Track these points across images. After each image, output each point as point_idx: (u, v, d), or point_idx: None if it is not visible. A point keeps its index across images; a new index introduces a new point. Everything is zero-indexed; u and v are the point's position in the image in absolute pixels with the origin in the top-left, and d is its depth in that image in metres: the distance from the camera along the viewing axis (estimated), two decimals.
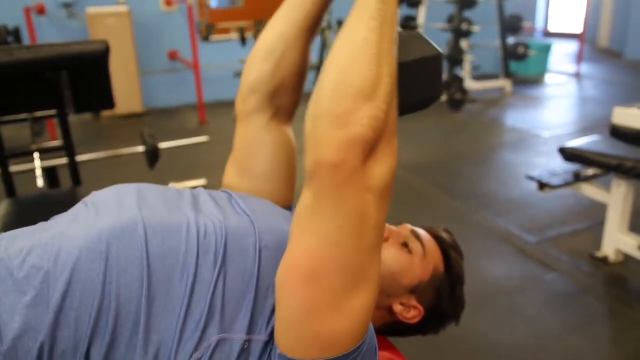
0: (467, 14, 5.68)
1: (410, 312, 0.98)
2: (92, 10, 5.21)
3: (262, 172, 1.00)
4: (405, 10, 6.30)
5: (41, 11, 5.19)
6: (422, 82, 0.77)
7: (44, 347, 0.68)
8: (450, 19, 5.91)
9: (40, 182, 2.11)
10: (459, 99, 5.50)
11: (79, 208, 0.85)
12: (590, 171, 2.62)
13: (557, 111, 5.76)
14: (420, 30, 5.12)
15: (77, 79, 1.97)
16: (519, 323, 2.16)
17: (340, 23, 5.85)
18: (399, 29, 0.74)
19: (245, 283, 0.74)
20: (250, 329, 0.73)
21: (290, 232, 0.69)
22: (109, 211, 0.80)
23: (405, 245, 0.99)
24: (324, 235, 0.65)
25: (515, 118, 5.42)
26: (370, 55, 0.65)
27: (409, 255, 0.98)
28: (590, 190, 2.66)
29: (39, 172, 2.13)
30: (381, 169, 0.65)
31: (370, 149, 0.63)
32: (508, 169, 3.97)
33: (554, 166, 2.84)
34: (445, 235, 1.07)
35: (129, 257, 0.72)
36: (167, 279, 0.72)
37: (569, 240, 2.82)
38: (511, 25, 6.05)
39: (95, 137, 5.10)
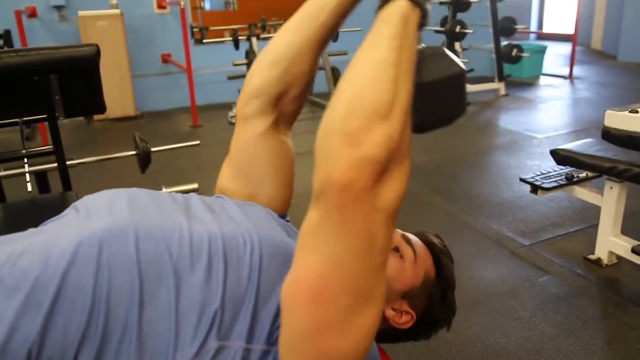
0: (461, 16, 5.69)
1: (402, 317, 0.99)
2: (83, 13, 5.19)
3: (259, 177, 1.00)
4: None
5: (32, 14, 5.17)
6: (444, 100, 0.78)
7: (31, 352, 0.66)
8: (444, 22, 5.91)
9: (29, 187, 2.09)
10: None
11: (69, 212, 0.85)
12: (583, 174, 2.63)
13: (550, 113, 5.77)
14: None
15: (67, 83, 1.95)
16: (512, 326, 2.16)
17: None
18: (421, 46, 0.75)
19: (242, 291, 0.74)
20: (249, 338, 0.72)
21: (296, 250, 0.68)
22: (101, 215, 0.79)
23: (396, 250, 0.99)
24: (329, 255, 0.64)
25: (508, 120, 5.43)
26: (388, 74, 0.64)
27: (401, 260, 0.98)
28: (582, 193, 2.66)
29: (28, 177, 2.11)
30: (391, 190, 0.63)
31: (381, 169, 0.61)
32: (501, 172, 3.97)
33: (547, 169, 2.84)
34: (435, 241, 1.07)
35: (120, 261, 0.71)
36: (158, 285, 0.71)
37: (562, 243, 2.82)
38: (504, 27, 6.07)
39: (88, 140, 5.08)
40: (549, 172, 2.74)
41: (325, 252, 0.64)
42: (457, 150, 4.48)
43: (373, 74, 0.64)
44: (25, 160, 2.16)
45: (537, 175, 2.73)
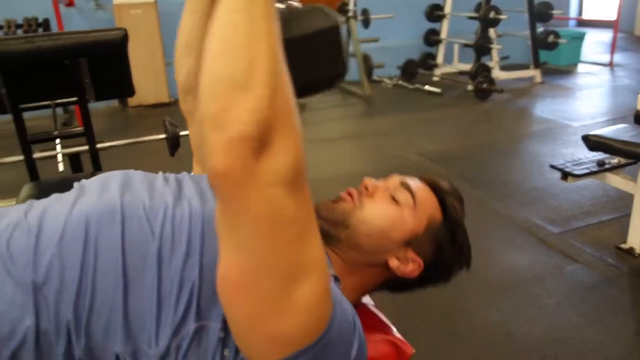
0: (495, 2, 5.57)
1: (409, 265, 0.94)
2: (118, 1, 5.29)
3: None
4: None
5: (70, 3, 5.29)
6: (317, 57, 0.71)
7: (28, 328, 0.68)
8: (478, 7, 5.80)
9: (61, 167, 2.15)
10: (486, 89, 5.40)
11: (68, 191, 0.87)
12: (616, 160, 2.55)
13: (588, 101, 5.61)
14: (447, 18, 4.94)
15: (97, 66, 2.00)
16: (538, 314, 2.13)
17: (365, 12, 5.80)
18: (296, 4, 0.72)
19: None
20: (226, 319, 0.71)
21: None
22: (92, 194, 0.81)
23: (393, 198, 0.95)
24: (238, 245, 0.61)
25: (544, 108, 5.30)
26: (239, 39, 0.57)
27: (397, 208, 0.94)
28: (615, 180, 2.59)
29: (60, 158, 2.18)
30: (281, 159, 0.58)
31: (258, 144, 0.56)
32: (534, 159, 3.89)
33: (581, 156, 2.77)
34: (442, 183, 1.01)
35: (106, 241, 0.73)
36: (142, 265, 0.72)
37: (593, 231, 2.76)
38: (541, 13, 5.90)
39: (122, 125, 5.19)
40: (581, 159, 2.67)
41: (235, 242, 0.61)
42: (489, 138, 4.40)
43: (223, 44, 0.58)
44: (57, 141, 2.22)
45: (568, 161, 2.66)
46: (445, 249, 0.97)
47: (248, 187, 0.57)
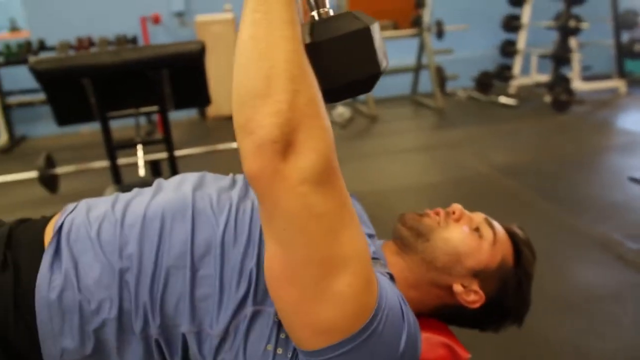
0: (576, 10, 5.37)
1: (471, 295, 0.97)
2: (200, 17, 5.56)
3: None
4: (509, 9, 6.08)
5: (156, 20, 5.63)
6: (350, 60, 0.71)
7: (112, 307, 0.78)
8: (558, 17, 5.61)
9: (141, 172, 2.31)
10: (564, 100, 5.21)
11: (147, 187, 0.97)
12: None
13: None
14: (525, 29, 4.77)
15: (177, 77, 2.14)
16: (611, 332, 2.03)
17: (439, 24, 5.77)
18: (329, 10, 0.73)
19: None
20: None
21: None
22: (168, 190, 0.90)
23: (476, 230, 0.99)
24: (276, 239, 0.67)
25: (628, 120, 5.04)
26: (258, 51, 0.62)
27: (478, 239, 0.98)
28: None
29: (140, 163, 2.34)
30: (307, 158, 0.62)
31: (282, 147, 0.61)
32: (614, 173, 3.71)
33: None
34: (519, 232, 1.06)
35: (178, 234, 0.81)
36: (206, 256, 0.80)
37: None
38: (626, 20, 5.63)
39: (202, 135, 5.44)
40: None
41: (274, 236, 0.67)
42: (565, 151, 4.24)
43: (245, 57, 0.63)
44: (139, 147, 2.39)
45: None
46: (509, 292, 1.00)
47: (278, 186, 0.62)
